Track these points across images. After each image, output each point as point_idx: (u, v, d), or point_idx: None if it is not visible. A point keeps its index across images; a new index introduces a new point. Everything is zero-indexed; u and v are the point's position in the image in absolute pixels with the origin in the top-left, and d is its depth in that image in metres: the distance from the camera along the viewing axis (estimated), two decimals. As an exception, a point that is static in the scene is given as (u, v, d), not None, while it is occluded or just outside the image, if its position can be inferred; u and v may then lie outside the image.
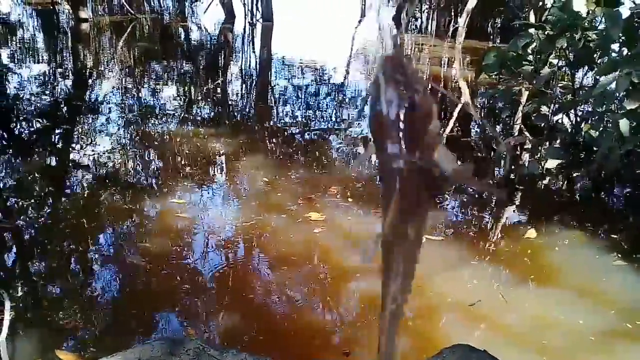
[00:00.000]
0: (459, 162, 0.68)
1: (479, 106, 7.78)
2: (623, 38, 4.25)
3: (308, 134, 5.83)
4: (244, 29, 16.59)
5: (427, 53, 13.31)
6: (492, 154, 5.39)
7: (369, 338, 2.56)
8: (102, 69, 9.43)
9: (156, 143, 5.22)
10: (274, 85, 8.61)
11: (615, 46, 4.54)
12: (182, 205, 3.81)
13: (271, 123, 6.35)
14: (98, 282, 2.92)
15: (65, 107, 6.59)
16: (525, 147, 5.45)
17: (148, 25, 15.95)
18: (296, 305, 2.82)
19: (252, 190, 4.23)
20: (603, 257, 3.38)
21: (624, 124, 3.93)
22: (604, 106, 4.48)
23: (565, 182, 4.74)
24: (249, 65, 11.07)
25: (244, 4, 17.57)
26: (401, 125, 0.63)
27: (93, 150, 4.94)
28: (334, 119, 6.64)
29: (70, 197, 4.01)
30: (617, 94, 4.18)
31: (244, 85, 9.04)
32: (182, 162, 4.70)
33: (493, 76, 5.58)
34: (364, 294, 2.90)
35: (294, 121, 6.37)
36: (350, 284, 2.99)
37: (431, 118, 0.66)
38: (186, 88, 8.15)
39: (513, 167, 5.17)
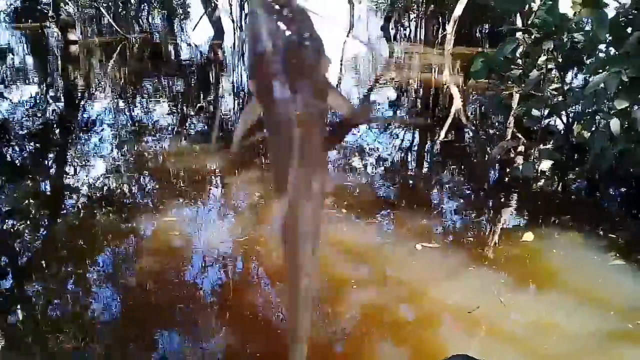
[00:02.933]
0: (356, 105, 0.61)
1: (471, 111, 7.78)
2: (610, 38, 4.27)
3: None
4: (234, 45, 16.63)
5: (417, 60, 13.36)
6: (487, 158, 5.38)
7: (368, 350, 2.53)
8: (92, 89, 9.41)
9: (148, 162, 5.19)
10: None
11: (602, 46, 4.56)
12: (175, 222, 3.77)
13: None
14: (92, 304, 2.88)
15: (55, 129, 6.57)
16: (518, 150, 5.45)
17: (138, 44, 15.97)
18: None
19: (247, 205, 4.21)
20: (600, 257, 3.36)
21: (614, 124, 3.93)
22: (595, 106, 4.49)
23: (560, 184, 4.73)
24: (240, 79, 11.07)
25: (233, 20, 17.66)
26: (286, 66, 0.54)
27: (85, 171, 4.91)
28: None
29: (61, 218, 3.97)
30: (607, 94, 4.18)
31: (235, 100, 9.04)
32: (175, 179, 4.67)
33: (482, 81, 5.58)
34: (360, 306, 2.87)
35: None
36: (347, 294, 2.96)
37: (320, 56, 0.58)
38: (177, 105, 8.14)
39: (508, 170, 5.17)
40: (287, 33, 0.55)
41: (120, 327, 2.70)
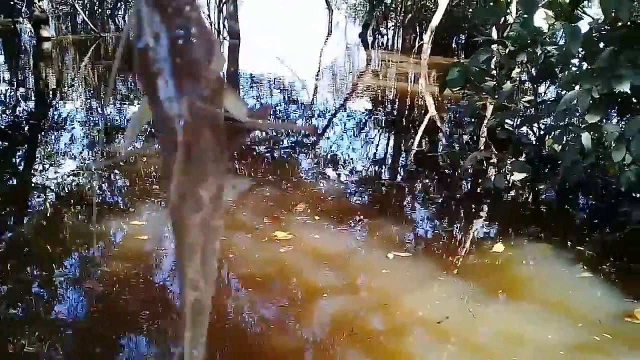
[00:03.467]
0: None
1: (445, 120, 7.84)
2: (582, 53, 4.34)
3: (277, 151, 5.78)
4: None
5: (394, 69, 13.44)
6: (459, 169, 5.41)
7: (340, 357, 2.50)
8: (64, 86, 9.24)
9: (119, 162, 5.09)
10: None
11: (575, 60, 4.63)
12: (142, 226, 3.70)
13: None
14: (55, 308, 2.80)
15: (24, 127, 6.42)
16: (491, 161, 5.50)
17: (113, 43, 15.76)
18: (265, 326, 2.75)
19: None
20: (569, 269, 3.40)
21: (585, 138, 3.99)
22: (566, 120, 4.55)
23: (531, 195, 4.78)
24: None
25: (210, 22, 17.54)
26: (174, 60, 0.50)
27: (54, 171, 4.80)
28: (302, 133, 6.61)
29: (27, 219, 3.87)
30: (578, 108, 4.25)
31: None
32: (144, 182, 4.58)
33: (457, 91, 5.63)
34: (331, 315, 2.85)
35: (263, 138, 6.31)
36: (318, 302, 2.93)
37: (212, 54, 0.53)
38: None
39: (480, 181, 5.21)
40: (173, 29, 0.50)
41: (83, 333, 2.63)
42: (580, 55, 4.41)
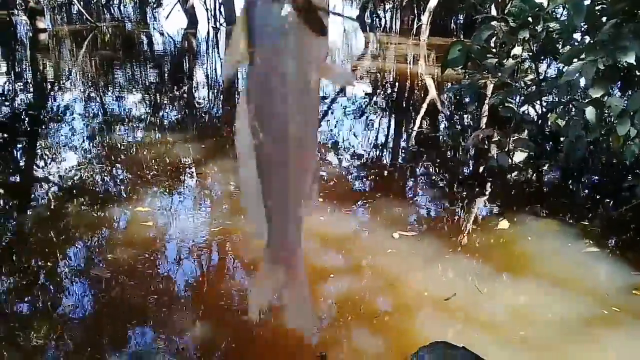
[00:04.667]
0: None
1: (446, 101, 7.80)
2: (585, 27, 4.29)
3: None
4: (208, 34, 16.43)
5: (393, 51, 13.34)
6: (462, 148, 5.39)
7: (346, 339, 2.50)
8: (62, 78, 9.19)
9: (121, 151, 5.08)
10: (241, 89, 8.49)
11: (577, 35, 4.58)
12: (149, 212, 3.69)
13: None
14: (64, 298, 2.80)
15: (23, 118, 6.40)
16: (493, 139, 5.46)
17: (109, 33, 15.67)
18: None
19: (221, 194, 4.15)
20: (574, 244, 3.39)
21: (589, 112, 3.95)
22: (569, 95, 4.51)
23: (535, 173, 4.76)
24: (214, 69, 10.94)
25: (207, 9, 17.41)
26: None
27: (56, 161, 4.78)
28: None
29: (32, 209, 3.86)
30: (582, 83, 4.21)
31: (209, 90, 8.92)
32: (148, 169, 4.57)
33: (459, 70, 5.57)
34: (338, 296, 2.84)
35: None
36: (325, 283, 2.93)
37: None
38: (151, 95, 7.99)
39: (483, 160, 5.19)
40: None
41: (90, 321, 2.63)
42: (583, 29, 4.36)
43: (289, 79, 0.60)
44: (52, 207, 3.83)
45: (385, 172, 4.84)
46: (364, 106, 7.48)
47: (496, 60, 4.88)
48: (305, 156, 0.66)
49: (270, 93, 0.61)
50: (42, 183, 4.36)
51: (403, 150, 5.70)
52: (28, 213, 3.82)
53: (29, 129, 6.04)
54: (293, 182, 0.67)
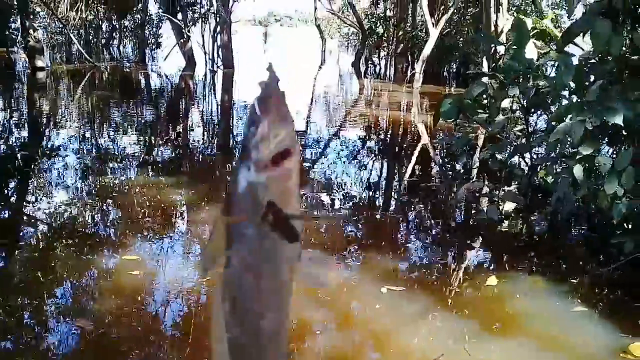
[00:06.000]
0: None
1: (438, 150, 7.88)
2: (573, 86, 4.38)
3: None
4: (205, 76, 16.65)
5: (387, 98, 13.54)
6: (452, 199, 5.42)
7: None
8: (58, 117, 9.25)
9: (111, 194, 5.07)
10: (237, 133, 8.55)
11: (565, 93, 4.67)
12: (136, 261, 3.67)
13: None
14: (44, 348, 2.75)
15: (17, 157, 6.41)
16: (483, 192, 5.51)
17: (107, 72, 15.86)
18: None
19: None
20: (563, 303, 3.38)
21: (577, 170, 4.00)
22: (558, 151, 4.57)
23: (524, 226, 4.78)
24: (210, 111, 11.05)
25: (205, 52, 17.69)
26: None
27: (46, 203, 4.77)
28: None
29: (18, 252, 3.82)
30: (570, 140, 4.27)
31: (205, 132, 8.99)
32: (138, 215, 4.56)
33: (450, 122, 5.66)
34: (323, 352, 2.81)
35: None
36: (311, 339, 2.89)
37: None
38: (146, 136, 8.04)
39: (473, 212, 5.22)
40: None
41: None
42: (570, 89, 4.45)
43: (262, 279, 0.67)
44: (38, 251, 3.80)
45: (375, 223, 4.85)
46: (356, 153, 7.54)
47: (487, 115, 4.97)
48: (276, 347, 0.72)
49: (244, 292, 0.67)
50: (30, 226, 4.34)
51: (394, 200, 5.72)
52: (14, 256, 3.78)
53: (20, 169, 6.04)
54: None
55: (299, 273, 0.70)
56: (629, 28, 4.15)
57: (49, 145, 7.13)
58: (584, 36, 4.40)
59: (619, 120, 3.62)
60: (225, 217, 0.66)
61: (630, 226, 3.97)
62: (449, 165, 7.29)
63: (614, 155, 4.30)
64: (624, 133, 4.09)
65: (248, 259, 0.66)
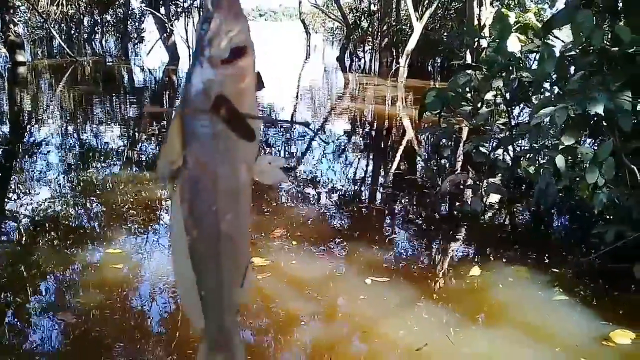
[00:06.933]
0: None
1: (423, 142, 7.90)
2: (555, 77, 4.42)
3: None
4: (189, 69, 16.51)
5: (371, 92, 13.55)
6: (437, 191, 5.44)
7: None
8: (39, 111, 9.14)
9: (94, 189, 5.03)
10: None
11: (547, 85, 4.71)
12: (119, 255, 3.64)
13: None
14: (26, 342, 2.72)
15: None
16: (467, 183, 5.54)
17: (89, 67, 15.69)
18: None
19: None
20: (545, 292, 3.41)
21: (559, 160, 4.04)
22: (540, 141, 4.61)
23: (507, 217, 4.82)
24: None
25: (188, 46, 17.58)
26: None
27: (29, 198, 4.72)
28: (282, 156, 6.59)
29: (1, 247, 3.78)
30: (553, 129, 4.30)
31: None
32: (121, 209, 4.53)
33: (435, 115, 5.67)
34: (308, 343, 2.81)
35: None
36: (296, 329, 2.90)
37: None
38: (129, 130, 7.98)
39: (457, 204, 5.25)
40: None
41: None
42: (552, 79, 4.48)
43: (219, 179, 0.65)
44: (21, 245, 3.76)
45: (360, 214, 4.86)
46: (341, 146, 7.54)
47: (471, 107, 4.99)
48: (237, 250, 0.70)
49: (202, 193, 0.65)
50: (12, 220, 4.29)
51: (378, 193, 5.74)
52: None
53: (1, 163, 5.97)
54: (226, 276, 0.70)
55: (256, 172, 0.68)
56: (608, 20, 4.18)
57: (30, 140, 7.05)
58: (564, 27, 4.44)
59: (599, 109, 3.65)
60: (180, 115, 0.64)
61: (610, 216, 4.01)
62: (434, 157, 7.32)
63: (595, 147, 4.35)
64: (604, 124, 4.13)
65: (204, 158, 0.64)
